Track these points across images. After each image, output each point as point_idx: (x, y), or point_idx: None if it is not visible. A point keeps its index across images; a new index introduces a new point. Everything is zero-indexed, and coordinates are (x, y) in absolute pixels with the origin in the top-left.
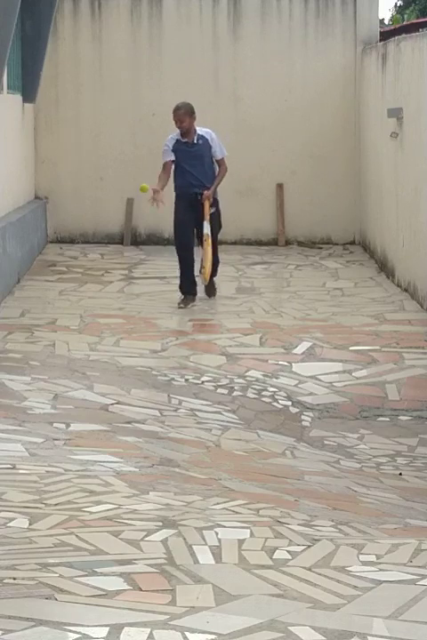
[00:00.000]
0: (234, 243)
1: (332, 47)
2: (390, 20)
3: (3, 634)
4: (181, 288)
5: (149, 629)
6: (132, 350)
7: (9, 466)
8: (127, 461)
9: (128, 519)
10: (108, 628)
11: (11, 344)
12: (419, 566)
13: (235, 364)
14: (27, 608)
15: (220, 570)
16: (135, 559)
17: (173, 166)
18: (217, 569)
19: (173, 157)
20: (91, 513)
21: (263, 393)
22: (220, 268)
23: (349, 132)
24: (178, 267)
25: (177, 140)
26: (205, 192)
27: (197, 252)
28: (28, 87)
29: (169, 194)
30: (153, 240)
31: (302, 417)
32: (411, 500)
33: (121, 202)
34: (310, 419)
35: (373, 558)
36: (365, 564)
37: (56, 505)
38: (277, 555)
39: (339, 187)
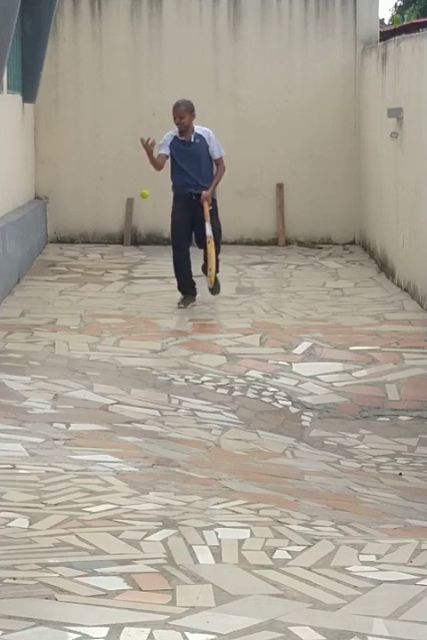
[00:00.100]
0: (234, 243)
1: (332, 47)
2: (390, 20)
3: (3, 634)
4: (180, 288)
5: (149, 629)
6: (132, 350)
7: (9, 466)
8: (127, 461)
9: (128, 519)
10: (108, 628)
11: (11, 344)
12: (419, 566)
13: (235, 363)
14: (27, 608)
15: (220, 570)
16: (135, 559)
17: (166, 161)
18: (217, 569)
19: (166, 152)
20: (91, 513)
21: (263, 393)
22: (220, 268)
23: (349, 131)
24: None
25: (175, 138)
26: (204, 193)
27: (193, 253)
28: (28, 87)
29: (169, 193)
30: (153, 240)
31: (302, 417)
32: (411, 499)
33: (121, 202)
34: (310, 419)
35: (373, 558)
36: (365, 563)
37: (56, 505)
38: (277, 555)
39: (339, 187)
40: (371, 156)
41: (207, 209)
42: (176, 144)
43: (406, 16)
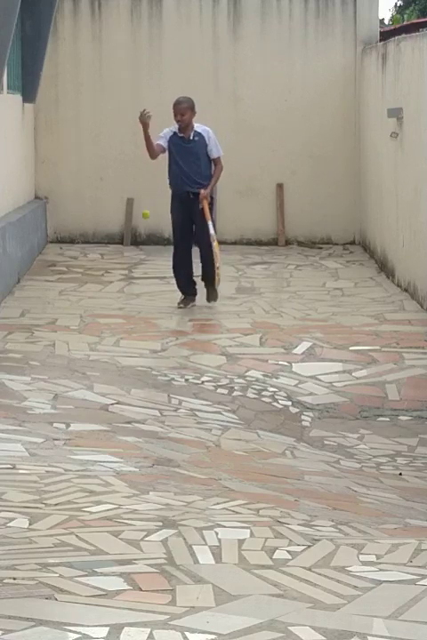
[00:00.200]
0: (234, 243)
1: (332, 47)
2: (390, 20)
3: (3, 634)
4: (180, 288)
5: (149, 629)
6: (132, 350)
7: (9, 466)
8: (127, 461)
9: (128, 519)
10: (108, 628)
11: (11, 344)
12: (419, 566)
13: (235, 363)
14: (27, 608)
15: (220, 570)
16: (135, 559)
17: (161, 152)
18: (217, 569)
19: (164, 144)
20: (91, 513)
21: (263, 393)
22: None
23: (349, 132)
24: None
25: (174, 134)
26: (202, 192)
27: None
28: (28, 87)
29: (168, 193)
30: (153, 240)
31: (302, 417)
32: (411, 499)
33: (121, 202)
34: (310, 419)
35: (373, 558)
36: (365, 563)
37: (56, 505)
38: (277, 555)
39: (339, 187)
40: (371, 156)
41: (207, 208)
42: (175, 140)
43: (406, 16)
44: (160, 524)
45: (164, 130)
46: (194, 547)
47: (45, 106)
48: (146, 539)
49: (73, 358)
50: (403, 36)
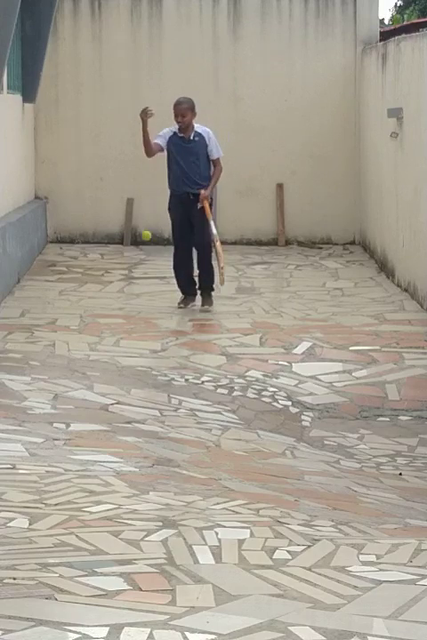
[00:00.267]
0: (234, 243)
1: (332, 47)
2: (390, 20)
3: (3, 634)
4: (180, 288)
5: (149, 629)
6: (132, 350)
7: (9, 466)
8: (127, 461)
9: (128, 519)
10: (108, 628)
11: (11, 344)
12: (419, 566)
13: (235, 363)
14: (27, 608)
15: (220, 570)
16: (135, 559)
17: (159, 151)
18: (217, 569)
19: (162, 144)
20: (91, 513)
21: (263, 393)
22: (215, 279)
23: (349, 131)
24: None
25: (174, 134)
26: (203, 192)
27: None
28: (28, 87)
29: (168, 194)
30: (153, 240)
31: (302, 417)
32: (411, 499)
33: (121, 202)
34: (310, 419)
35: (373, 558)
36: (365, 563)
37: (56, 505)
38: (277, 555)
39: (339, 187)
40: (371, 156)
41: (208, 208)
42: (175, 140)
43: (406, 16)
44: (160, 523)
45: (164, 129)
46: (194, 547)
47: (45, 106)
48: (146, 539)
49: (73, 358)
50: (403, 35)
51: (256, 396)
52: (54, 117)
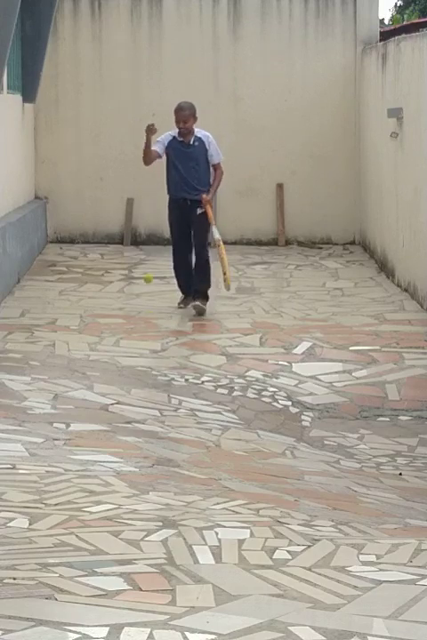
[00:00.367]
0: (234, 243)
1: (332, 47)
2: (390, 20)
3: (3, 634)
4: (180, 288)
5: (149, 629)
6: (132, 350)
7: (9, 466)
8: (127, 461)
9: (128, 519)
10: (108, 628)
11: (11, 344)
12: (419, 566)
13: (235, 363)
14: (27, 608)
15: (220, 570)
16: (135, 559)
17: (156, 158)
18: (217, 569)
19: (160, 151)
20: (91, 513)
21: (263, 393)
22: (211, 285)
23: (349, 131)
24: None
25: (173, 138)
26: (204, 196)
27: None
28: (28, 87)
29: (167, 195)
30: (153, 240)
31: (302, 417)
32: (411, 499)
33: (121, 202)
34: (310, 419)
35: (373, 558)
36: (365, 563)
37: (56, 505)
38: (277, 555)
39: (339, 187)
40: (371, 156)
41: (210, 212)
42: (175, 144)
43: (406, 16)
44: (160, 523)
45: (163, 134)
46: (194, 547)
47: (45, 106)
48: (146, 539)
49: (73, 358)
50: (403, 35)
51: (256, 396)
52: (54, 117)
